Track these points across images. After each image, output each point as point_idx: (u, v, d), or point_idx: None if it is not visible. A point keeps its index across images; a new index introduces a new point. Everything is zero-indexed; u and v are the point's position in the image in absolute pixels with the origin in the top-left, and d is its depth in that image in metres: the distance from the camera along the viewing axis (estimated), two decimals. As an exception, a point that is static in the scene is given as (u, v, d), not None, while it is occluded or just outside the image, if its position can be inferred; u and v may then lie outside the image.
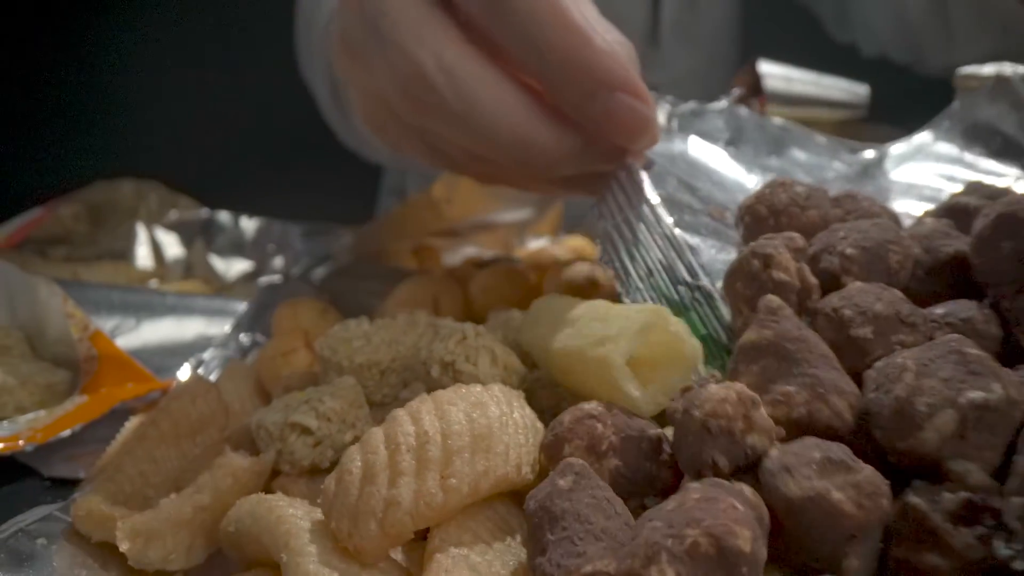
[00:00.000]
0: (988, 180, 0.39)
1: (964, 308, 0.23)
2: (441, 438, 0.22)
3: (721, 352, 0.28)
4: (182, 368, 0.45)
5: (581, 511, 0.19)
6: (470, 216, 0.56)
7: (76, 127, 0.78)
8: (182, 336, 0.49)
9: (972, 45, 0.68)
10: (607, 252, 0.33)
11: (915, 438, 0.18)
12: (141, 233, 0.73)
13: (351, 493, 0.21)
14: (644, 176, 0.34)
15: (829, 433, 0.20)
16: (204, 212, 0.76)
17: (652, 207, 0.33)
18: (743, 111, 0.47)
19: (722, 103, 0.47)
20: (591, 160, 0.35)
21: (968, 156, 0.44)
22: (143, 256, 0.74)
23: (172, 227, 0.74)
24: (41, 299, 0.43)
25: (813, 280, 0.26)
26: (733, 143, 0.44)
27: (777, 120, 0.48)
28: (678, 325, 0.26)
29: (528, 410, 0.25)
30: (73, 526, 0.29)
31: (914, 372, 0.18)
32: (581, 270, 0.42)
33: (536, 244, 0.67)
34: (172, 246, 0.74)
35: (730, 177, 0.40)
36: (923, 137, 0.47)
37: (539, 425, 0.25)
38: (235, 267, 0.75)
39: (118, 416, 0.39)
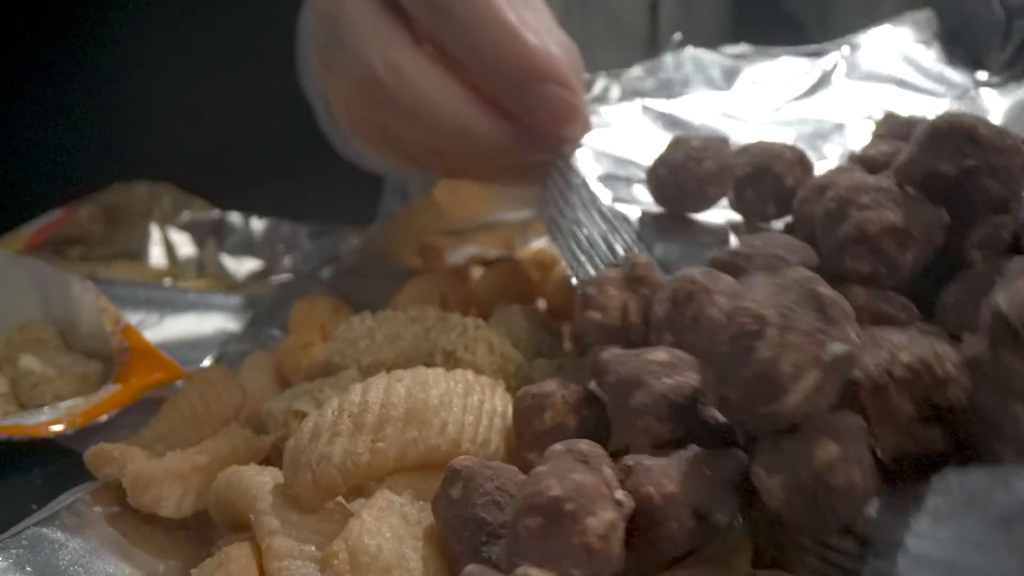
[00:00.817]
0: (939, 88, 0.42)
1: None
2: (379, 408, 0.25)
3: None
4: (204, 360, 0.48)
5: (478, 515, 0.21)
6: (473, 216, 0.60)
7: (92, 131, 0.81)
8: (203, 330, 0.53)
9: None
10: (553, 235, 0.37)
11: (779, 403, 0.17)
12: (155, 233, 0.77)
13: (299, 449, 0.25)
14: (577, 159, 0.37)
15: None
16: (215, 213, 0.79)
17: (587, 187, 0.36)
18: (687, 53, 0.48)
19: (664, 57, 0.48)
20: (529, 148, 0.39)
21: (923, 56, 0.44)
22: (156, 255, 0.77)
23: (185, 227, 0.78)
24: (75, 295, 0.46)
25: (635, 320, 0.28)
26: (681, 93, 0.45)
27: (732, 48, 0.49)
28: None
29: (500, 400, 0.28)
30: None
31: (778, 328, 0.17)
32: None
33: (537, 244, 0.70)
34: (185, 246, 0.78)
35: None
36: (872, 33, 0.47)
37: (508, 413, 0.28)
38: (245, 266, 0.78)
39: (148, 404, 0.43)
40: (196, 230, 0.77)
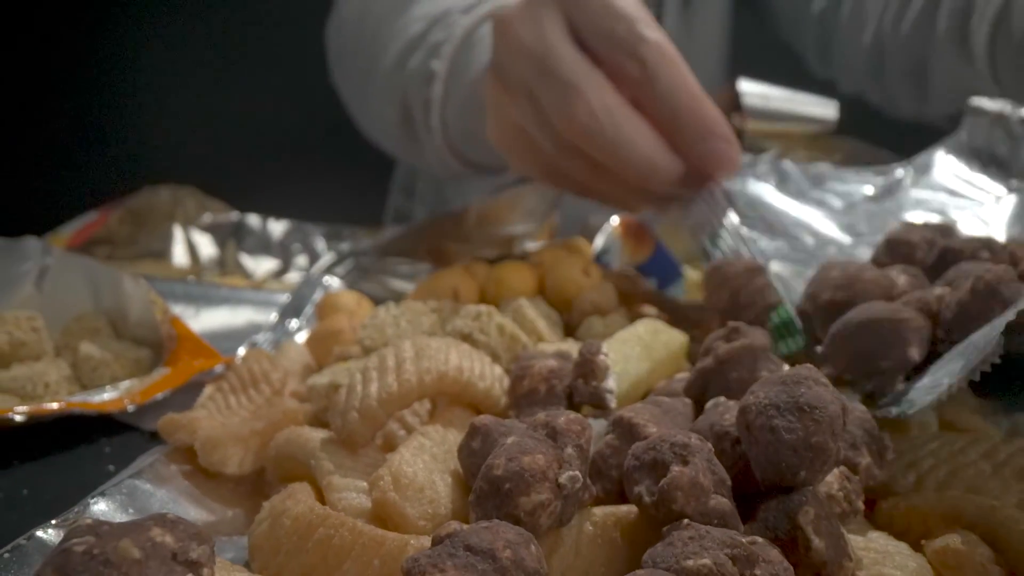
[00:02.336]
0: (981, 195, 0.55)
1: None
2: (395, 357, 0.32)
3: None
4: (239, 349, 0.55)
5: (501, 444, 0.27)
6: (486, 229, 0.67)
7: (120, 139, 0.88)
8: (236, 323, 0.59)
9: (944, 105, 0.79)
10: (700, 240, 0.51)
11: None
12: (178, 234, 0.83)
13: (343, 399, 0.31)
14: (723, 194, 0.51)
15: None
16: (235, 215, 0.86)
17: (727, 212, 0.50)
18: (787, 163, 0.61)
19: (769, 155, 0.63)
20: (688, 183, 0.50)
21: (967, 173, 0.58)
22: (179, 255, 0.84)
23: (206, 229, 0.84)
24: (126, 289, 0.53)
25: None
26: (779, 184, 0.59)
27: (817, 166, 0.61)
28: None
29: (493, 365, 0.36)
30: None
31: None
32: (576, 264, 0.52)
33: (532, 246, 0.77)
34: (206, 246, 0.84)
35: (777, 205, 0.56)
36: (935, 156, 0.59)
37: (498, 369, 0.36)
38: (263, 265, 0.85)
39: (192, 387, 0.49)
40: (217, 231, 0.84)
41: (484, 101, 0.57)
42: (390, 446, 0.33)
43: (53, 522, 0.28)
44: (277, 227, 0.86)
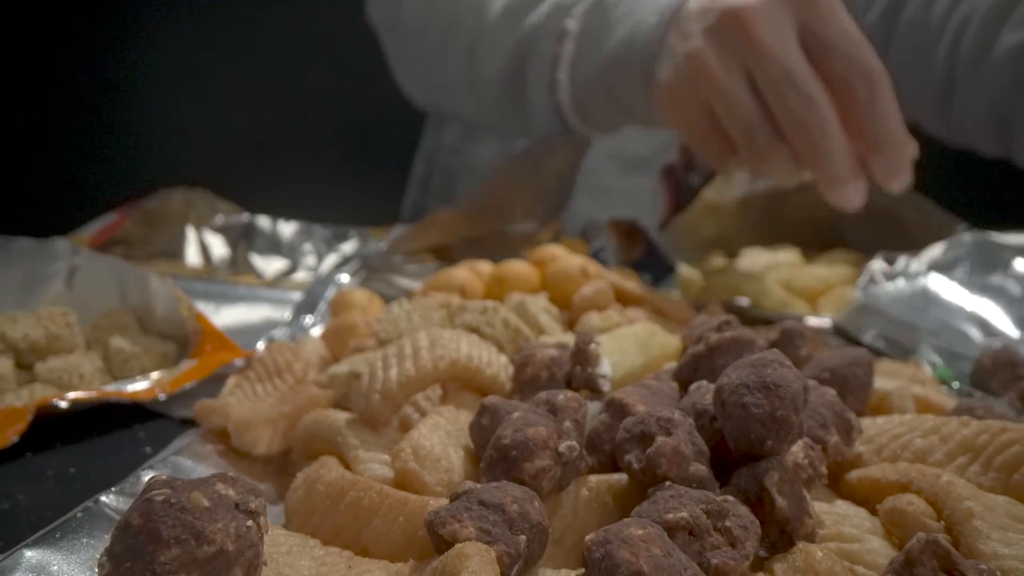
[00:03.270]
0: None
1: None
2: (411, 345, 0.37)
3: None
4: (258, 343, 0.59)
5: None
6: (489, 223, 0.71)
7: (136, 143, 0.92)
8: (253, 319, 0.63)
9: None
10: None
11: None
12: (190, 235, 0.88)
13: (366, 384, 0.36)
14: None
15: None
16: (246, 217, 0.90)
17: None
18: (967, 237, 0.68)
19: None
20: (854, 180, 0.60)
21: None
22: (192, 255, 0.88)
23: (218, 230, 0.88)
24: (152, 287, 0.57)
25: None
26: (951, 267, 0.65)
27: (998, 238, 0.68)
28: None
29: (499, 354, 0.40)
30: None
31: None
32: (575, 262, 0.56)
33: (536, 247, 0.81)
34: (218, 246, 0.88)
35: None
36: None
37: (503, 358, 0.40)
38: (273, 265, 0.89)
39: (215, 379, 0.53)
40: (229, 232, 0.88)
41: (632, 66, 0.66)
42: (406, 427, 0.37)
43: (112, 490, 0.33)
44: (287, 228, 0.90)
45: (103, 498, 0.31)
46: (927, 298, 0.62)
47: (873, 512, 0.31)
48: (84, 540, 0.28)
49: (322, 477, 0.31)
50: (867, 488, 0.33)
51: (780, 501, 0.28)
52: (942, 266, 0.65)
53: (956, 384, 0.50)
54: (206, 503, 0.23)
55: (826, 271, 0.74)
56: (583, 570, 0.24)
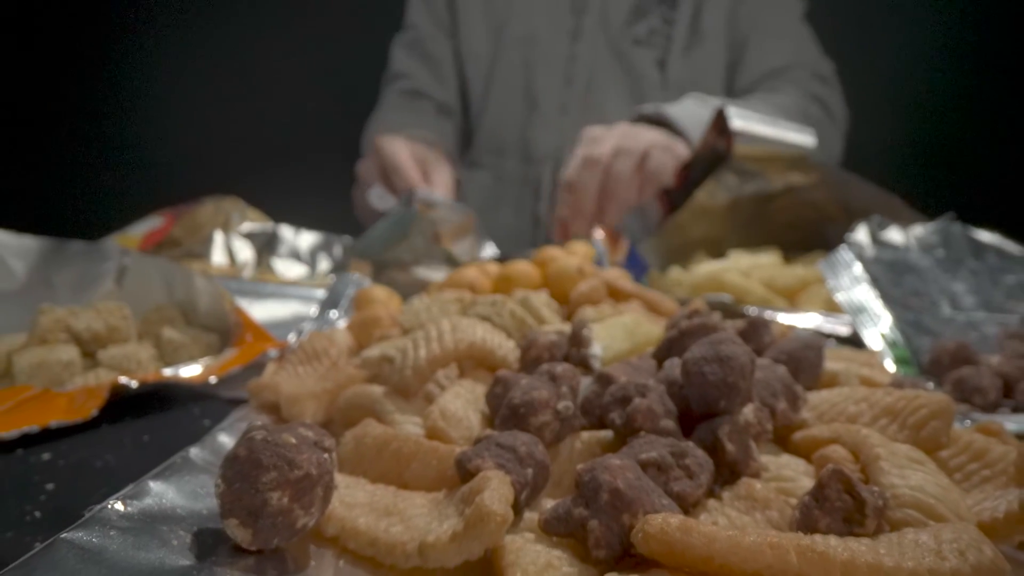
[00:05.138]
0: None
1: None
2: (435, 330, 0.45)
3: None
4: (289, 336, 0.67)
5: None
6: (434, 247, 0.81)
7: (176, 155, 1.02)
8: (283, 314, 0.72)
9: None
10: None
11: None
12: (218, 239, 0.96)
13: (399, 362, 0.45)
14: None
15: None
16: (270, 226, 0.99)
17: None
18: (955, 227, 0.77)
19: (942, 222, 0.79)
20: None
21: None
22: (218, 257, 0.97)
23: (245, 236, 0.97)
24: (196, 284, 0.65)
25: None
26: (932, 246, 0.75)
27: (982, 235, 0.77)
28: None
29: (507, 339, 0.49)
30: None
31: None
32: (572, 263, 0.65)
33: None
34: (243, 251, 0.97)
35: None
36: None
37: (511, 342, 0.49)
38: (292, 270, 0.98)
39: (254, 366, 0.62)
40: (254, 239, 0.97)
41: None
42: (430, 400, 0.46)
43: (196, 445, 0.41)
44: (307, 238, 1.00)
45: (192, 450, 0.40)
46: (907, 265, 0.71)
47: (810, 462, 0.40)
48: (186, 478, 0.36)
49: (368, 433, 0.39)
50: (807, 444, 0.41)
51: (730, 447, 0.36)
52: (924, 242, 0.75)
53: (910, 372, 0.59)
54: (293, 440, 0.32)
55: (803, 271, 0.83)
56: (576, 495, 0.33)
